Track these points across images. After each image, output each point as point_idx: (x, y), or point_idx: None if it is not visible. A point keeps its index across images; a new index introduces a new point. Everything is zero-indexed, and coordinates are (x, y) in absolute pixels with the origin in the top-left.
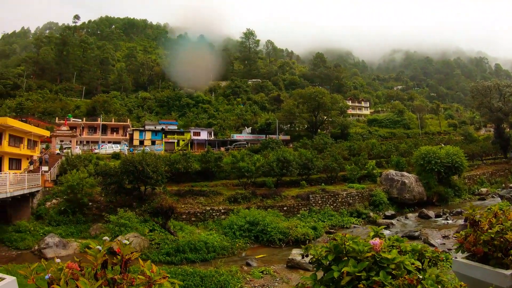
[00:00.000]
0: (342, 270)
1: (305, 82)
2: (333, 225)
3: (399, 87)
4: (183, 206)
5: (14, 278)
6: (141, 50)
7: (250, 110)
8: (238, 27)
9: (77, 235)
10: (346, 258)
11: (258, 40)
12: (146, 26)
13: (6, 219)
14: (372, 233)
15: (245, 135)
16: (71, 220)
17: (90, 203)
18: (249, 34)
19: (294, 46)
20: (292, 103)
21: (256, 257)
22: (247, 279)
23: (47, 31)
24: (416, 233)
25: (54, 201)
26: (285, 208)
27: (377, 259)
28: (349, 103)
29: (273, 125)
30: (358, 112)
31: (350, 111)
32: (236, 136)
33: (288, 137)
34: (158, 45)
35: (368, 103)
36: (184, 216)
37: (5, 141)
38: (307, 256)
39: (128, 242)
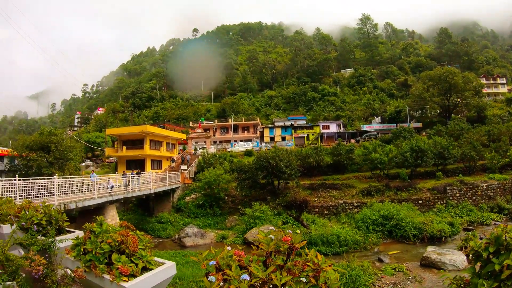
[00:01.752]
0: (504, 263)
1: (432, 62)
2: (471, 221)
3: None
4: (315, 199)
5: (174, 263)
6: (260, 51)
7: (377, 99)
8: (353, 14)
9: (213, 226)
10: (505, 251)
11: (376, 24)
12: (262, 28)
13: (149, 211)
14: None
15: (374, 125)
16: (208, 212)
17: (226, 197)
18: (365, 20)
19: (414, 25)
20: (421, 87)
21: (389, 253)
22: (379, 275)
23: (171, 47)
24: None
25: (192, 195)
26: (420, 202)
27: None
28: (483, 81)
29: (403, 113)
30: (494, 90)
31: (485, 90)
32: (366, 127)
33: (419, 125)
34: (276, 44)
35: (504, 79)
36: (317, 209)
37: (146, 146)
38: (465, 248)
39: (299, 232)
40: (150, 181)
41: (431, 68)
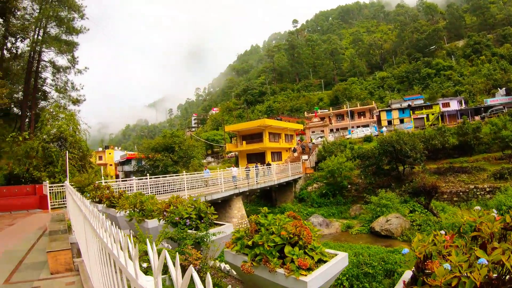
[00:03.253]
0: None
1: None
2: None
3: None
4: (443, 185)
5: (346, 253)
6: (364, 32)
7: (498, 68)
8: None
9: (337, 215)
10: None
11: None
12: (361, 7)
13: (271, 202)
14: None
15: (499, 98)
16: (331, 202)
17: (349, 186)
18: None
19: None
20: None
21: None
22: None
23: (274, 42)
24: None
25: (315, 185)
26: None
27: None
28: None
29: None
30: None
31: None
32: (490, 101)
33: None
34: (379, 22)
35: None
36: (445, 195)
37: (265, 138)
38: None
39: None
40: (273, 173)
41: None
